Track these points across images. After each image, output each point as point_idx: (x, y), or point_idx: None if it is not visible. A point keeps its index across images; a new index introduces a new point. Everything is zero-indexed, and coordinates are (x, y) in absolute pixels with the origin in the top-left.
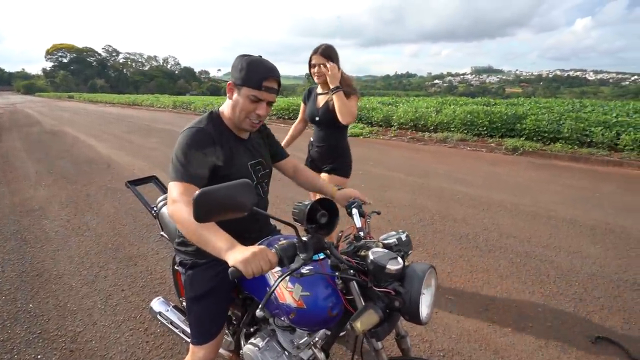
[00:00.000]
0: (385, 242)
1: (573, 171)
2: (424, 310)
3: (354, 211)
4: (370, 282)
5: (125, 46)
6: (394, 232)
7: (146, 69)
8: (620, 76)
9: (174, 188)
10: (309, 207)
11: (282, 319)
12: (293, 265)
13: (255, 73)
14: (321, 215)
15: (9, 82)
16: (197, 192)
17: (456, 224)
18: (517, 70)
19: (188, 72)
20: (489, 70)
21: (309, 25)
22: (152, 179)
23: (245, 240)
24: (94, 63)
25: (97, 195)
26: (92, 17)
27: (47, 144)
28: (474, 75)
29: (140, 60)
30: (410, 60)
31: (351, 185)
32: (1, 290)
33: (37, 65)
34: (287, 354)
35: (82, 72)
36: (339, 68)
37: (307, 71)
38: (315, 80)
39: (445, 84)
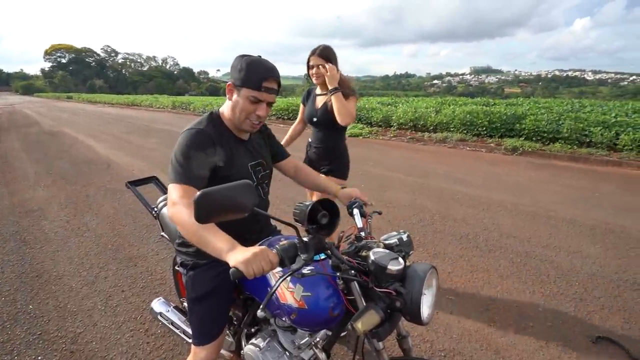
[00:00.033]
0: (387, 242)
1: (572, 171)
2: (425, 310)
3: (355, 211)
4: (371, 282)
5: (124, 46)
6: (395, 233)
7: (145, 69)
8: (618, 76)
9: (174, 190)
10: (309, 207)
11: (283, 319)
12: (294, 266)
13: (255, 74)
14: (322, 216)
15: (7, 82)
16: (198, 193)
17: (456, 224)
18: (516, 70)
19: (187, 72)
20: (488, 71)
21: (308, 25)
22: (152, 179)
23: (246, 241)
24: (93, 63)
25: (96, 195)
26: (91, 17)
27: (45, 144)
28: (473, 76)
29: (139, 60)
30: (409, 61)
31: (350, 186)
32: (1, 291)
33: (35, 65)
34: (288, 354)
35: (80, 72)
36: (337, 69)
37: (306, 72)
38: (314, 81)
39: (444, 84)
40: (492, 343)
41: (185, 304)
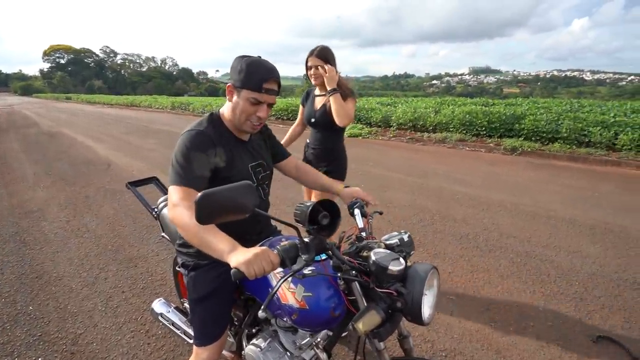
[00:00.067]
0: (387, 242)
1: (572, 171)
2: (426, 310)
3: (356, 211)
4: (372, 282)
5: (123, 47)
6: (396, 233)
7: (144, 69)
8: (617, 76)
9: (174, 192)
10: (310, 208)
11: (285, 319)
12: (295, 266)
13: (255, 75)
14: (323, 217)
15: (6, 83)
16: (199, 194)
17: (456, 224)
18: (514, 70)
19: (186, 72)
20: (487, 71)
21: (307, 25)
22: (153, 180)
23: (247, 242)
24: (92, 64)
25: (96, 196)
26: (90, 18)
27: (44, 145)
28: (471, 76)
29: (138, 61)
30: (408, 61)
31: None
32: (1, 292)
33: (34, 66)
34: (289, 354)
35: (79, 73)
36: (336, 70)
37: (305, 72)
38: (313, 82)
39: (443, 85)
40: (493, 343)
41: (186, 305)
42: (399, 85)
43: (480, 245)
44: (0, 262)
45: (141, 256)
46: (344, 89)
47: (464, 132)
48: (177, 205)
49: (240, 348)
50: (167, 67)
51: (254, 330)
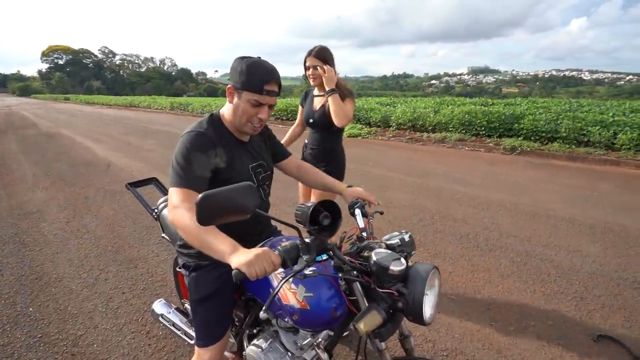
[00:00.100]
0: (388, 242)
1: (571, 170)
2: (428, 310)
3: (357, 211)
4: (373, 283)
5: (122, 47)
6: (397, 233)
7: (143, 70)
8: (615, 76)
9: (175, 194)
10: (311, 208)
11: (286, 320)
12: (296, 267)
13: (256, 76)
14: (324, 217)
15: (4, 84)
16: (200, 195)
17: (456, 223)
18: (513, 70)
19: (185, 73)
20: (486, 71)
21: (306, 26)
22: (153, 180)
23: (247, 243)
24: (90, 65)
25: (95, 197)
26: (88, 18)
27: (43, 146)
28: (470, 76)
29: (136, 61)
30: (407, 61)
31: None
32: (0, 294)
33: (32, 67)
34: (290, 354)
35: (78, 73)
36: (335, 70)
37: (304, 72)
38: (311, 83)
39: (442, 84)
40: (494, 342)
41: (187, 306)
42: (398, 85)
43: (480, 244)
44: None
45: (141, 257)
46: (342, 89)
47: (464, 132)
48: (178, 207)
49: (241, 348)
50: (166, 68)
51: (254, 331)
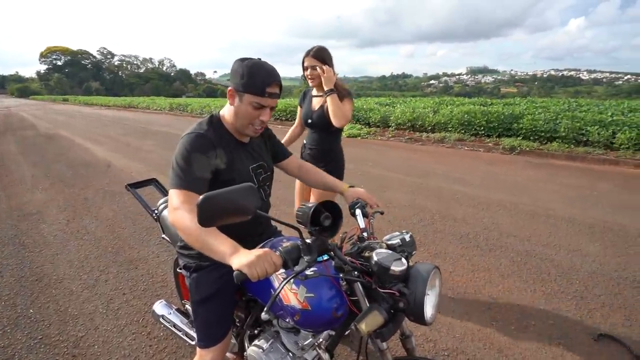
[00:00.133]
0: (389, 242)
1: (570, 170)
2: (429, 310)
3: (358, 212)
4: (374, 283)
5: (120, 48)
6: (397, 233)
7: (141, 71)
8: (613, 75)
9: (175, 196)
10: (312, 209)
11: (287, 320)
12: (297, 268)
13: (258, 79)
14: (325, 218)
15: (2, 85)
16: (200, 197)
17: (456, 223)
18: (512, 70)
19: (184, 74)
20: (485, 71)
21: (305, 26)
22: (152, 181)
23: (248, 243)
24: (89, 66)
25: (95, 198)
26: (87, 19)
27: (42, 147)
28: (469, 76)
29: (135, 62)
30: (406, 61)
31: None
32: (0, 295)
33: (31, 68)
34: (291, 355)
35: (76, 74)
36: (333, 71)
37: (302, 73)
38: (310, 83)
39: (441, 85)
40: (494, 342)
41: (187, 307)
42: (397, 85)
43: (480, 244)
44: None
45: (141, 258)
46: (340, 89)
47: (463, 131)
48: (178, 209)
49: (242, 349)
50: (164, 69)
51: (256, 332)
